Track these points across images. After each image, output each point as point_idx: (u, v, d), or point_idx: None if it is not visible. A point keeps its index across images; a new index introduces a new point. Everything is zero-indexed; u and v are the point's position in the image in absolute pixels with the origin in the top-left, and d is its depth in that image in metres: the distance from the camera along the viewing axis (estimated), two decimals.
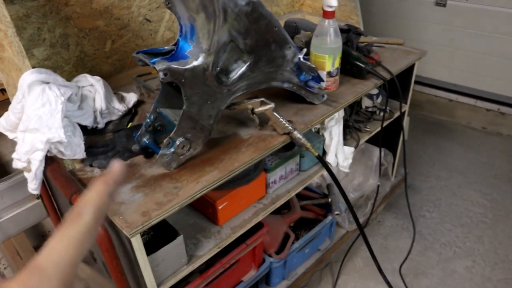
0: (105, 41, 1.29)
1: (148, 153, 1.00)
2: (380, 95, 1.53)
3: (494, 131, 2.59)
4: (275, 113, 1.02)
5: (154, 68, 0.84)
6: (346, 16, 1.76)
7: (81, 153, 0.95)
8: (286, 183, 1.25)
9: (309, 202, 1.62)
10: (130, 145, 1.00)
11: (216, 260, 1.14)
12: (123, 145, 1.02)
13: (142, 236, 0.86)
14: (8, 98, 1.11)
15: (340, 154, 1.33)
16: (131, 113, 1.17)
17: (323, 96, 1.18)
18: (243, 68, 0.96)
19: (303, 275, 1.51)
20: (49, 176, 0.94)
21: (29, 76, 0.89)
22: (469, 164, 2.31)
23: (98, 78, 1.09)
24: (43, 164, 0.91)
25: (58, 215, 1.20)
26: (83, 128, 1.02)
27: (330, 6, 1.13)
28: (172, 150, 0.92)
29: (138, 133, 0.97)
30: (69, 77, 1.17)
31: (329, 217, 1.54)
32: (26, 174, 0.94)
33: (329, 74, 1.21)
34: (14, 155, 0.90)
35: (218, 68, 0.92)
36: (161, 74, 0.82)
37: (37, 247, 1.51)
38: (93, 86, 1.07)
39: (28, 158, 0.89)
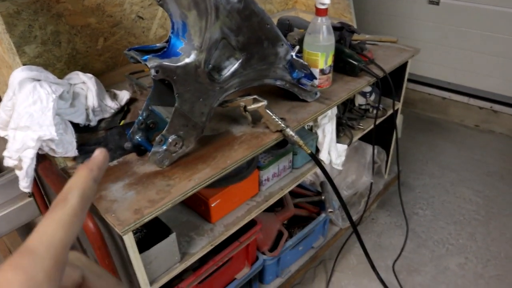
0: (97, 38, 1.29)
1: (141, 150, 1.00)
2: (373, 92, 1.54)
3: (487, 129, 2.61)
4: (267, 111, 1.02)
5: (146, 65, 0.84)
6: (340, 14, 1.77)
7: (73, 151, 0.95)
8: (279, 181, 1.25)
9: (302, 199, 1.62)
10: (123, 143, 0.99)
11: (209, 257, 1.14)
12: (115, 143, 1.02)
13: (134, 234, 0.86)
14: None
15: (333, 151, 1.33)
16: (123, 110, 1.17)
17: (316, 94, 1.19)
18: (236, 66, 0.96)
19: (296, 273, 1.52)
20: (40, 174, 0.94)
21: (20, 74, 0.88)
22: (462, 161, 2.33)
23: (90, 75, 1.08)
24: (34, 162, 0.90)
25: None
26: (75, 126, 1.02)
27: (323, 4, 1.13)
28: (165, 147, 0.91)
29: (131, 131, 0.97)
30: (60, 74, 1.17)
31: (323, 215, 1.55)
32: (17, 172, 0.94)
33: (322, 71, 1.21)
34: (5, 153, 0.90)
35: (210, 66, 0.92)
36: (152, 71, 0.82)
37: None
38: (85, 83, 1.07)
39: (19, 156, 0.89)
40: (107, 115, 1.12)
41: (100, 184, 0.90)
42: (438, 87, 2.70)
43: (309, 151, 1.09)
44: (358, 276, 1.69)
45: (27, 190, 0.95)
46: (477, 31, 2.39)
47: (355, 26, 1.70)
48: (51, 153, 0.93)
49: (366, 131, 1.49)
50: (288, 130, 1.04)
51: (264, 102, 1.01)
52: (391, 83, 1.35)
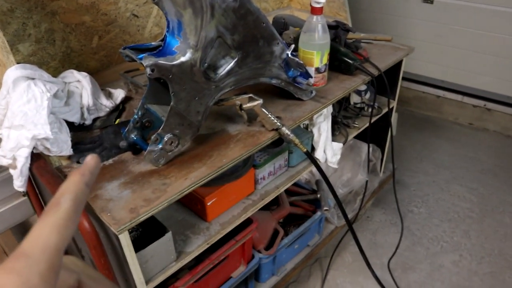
0: (92, 36, 1.28)
1: (136, 149, 0.99)
2: (368, 91, 1.54)
3: (481, 127, 2.62)
4: (263, 109, 1.02)
5: (141, 64, 0.84)
6: (334, 13, 1.77)
7: (67, 150, 0.94)
8: (275, 179, 1.26)
9: (298, 198, 1.62)
10: (118, 142, 0.99)
11: (205, 256, 1.14)
12: (110, 142, 1.01)
13: (130, 233, 0.85)
14: None
15: (328, 150, 1.33)
16: (118, 109, 1.16)
17: (311, 92, 1.19)
18: (231, 64, 0.96)
19: (292, 271, 1.52)
20: (35, 173, 0.93)
21: (14, 72, 0.87)
22: (456, 159, 2.34)
23: (85, 74, 1.08)
24: (29, 161, 0.90)
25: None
26: (70, 124, 1.01)
27: (318, 2, 1.13)
28: (160, 146, 0.91)
29: (126, 130, 0.97)
30: (55, 73, 1.16)
31: (318, 213, 1.55)
32: (11, 171, 0.93)
33: (317, 70, 1.21)
34: None
35: (206, 64, 0.92)
36: (148, 70, 0.82)
37: None
38: (80, 82, 1.06)
39: (13, 155, 0.88)
40: (102, 114, 1.12)
41: (96, 183, 0.90)
42: (432, 85, 2.71)
43: (304, 150, 1.09)
44: (353, 273, 1.70)
45: (21, 189, 0.95)
46: (471, 30, 2.40)
47: (350, 24, 1.71)
48: (46, 152, 0.92)
49: (361, 129, 1.50)
50: (283, 128, 1.04)
51: (260, 101, 1.01)
52: (386, 82, 1.36)
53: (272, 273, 1.48)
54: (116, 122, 1.11)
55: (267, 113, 1.02)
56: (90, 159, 0.36)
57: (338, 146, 1.37)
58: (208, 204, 1.05)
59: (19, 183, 0.93)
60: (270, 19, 1.32)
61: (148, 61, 0.82)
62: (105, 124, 1.10)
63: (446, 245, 1.82)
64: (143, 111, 0.97)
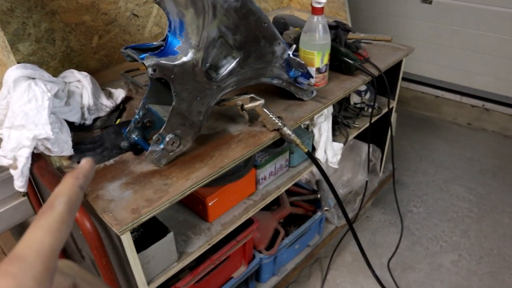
0: (92, 36, 1.28)
1: (137, 149, 0.99)
2: (368, 91, 1.54)
3: (479, 127, 2.63)
4: (264, 109, 1.02)
5: (143, 63, 0.83)
6: (334, 13, 1.77)
7: (68, 150, 0.94)
8: (276, 179, 1.26)
9: (298, 198, 1.62)
10: (119, 142, 0.99)
11: (206, 256, 1.14)
12: (111, 142, 1.01)
13: (132, 233, 0.85)
14: None
15: (329, 150, 1.33)
16: (119, 109, 1.16)
17: (312, 93, 1.19)
18: (233, 64, 0.95)
19: (292, 271, 1.52)
20: (36, 173, 0.93)
21: (15, 72, 0.87)
22: (455, 159, 2.35)
23: (85, 73, 1.07)
24: (29, 161, 0.89)
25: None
26: (71, 124, 1.01)
27: (319, 3, 1.13)
28: (162, 146, 0.91)
29: (127, 130, 0.96)
30: (55, 72, 1.16)
31: (319, 213, 1.55)
32: (12, 171, 0.93)
33: (318, 70, 1.21)
34: None
35: (208, 64, 0.92)
36: (150, 70, 0.82)
37: None
38: (80, 82, 1.06)
39: (14, 155, 0.88)
40: (102, 114, 1.11)
41: (97, 184, 0.89)
42: (431, 86, 2.72)
43: (306, 150, 1.09)
44: (353, 273, 1.70)
45: (22, 190, 0.95)
46: (470, 30, 2.41)
47: (349, 25, 1.71)
48: (47, 152, 0.92)
49: (361, 129, 1.50)
50: (285, 129, 1.04)
51: (261, 101, 1.01)
52: (386, 82, 1.36)
53: (273, 273, 1.48)
54: (117, 122, 1.11)
55: (269, 113, 1.02)
56: (85, 163, 0.36)
57: (338, 146, 1.37)
58: (210, 204, 1.05)
59: (19, 183, 0.92)
60: (270, 19, 1.32)
61: (150, 61, 0.82)
62: (105, 124, 1.10)
63: (445, 245, 1.83)
64: (145, 111, 0.96)
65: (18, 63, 0.89)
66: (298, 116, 1.12)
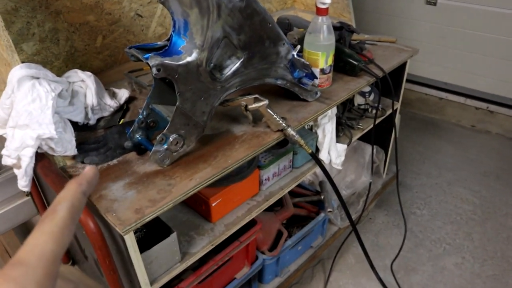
0: (96, 36, 1.28)
1: (141, 149, 0.99)
2: (372, 92, 1.54)
3: (483, 129, 2.62)
4: (268, 110, 1.02)
5: (147, 63, 0.83)
6: (339, 14, 1.77)
7: (72, 150, 0.94)
8: (279, 180, 1.25)
9: (301, 199, 1.62)
10: (122, 142, 0.99)
11: (209, 257, 1.13)
12: (115, 142, 1.01)
13: (135, 233, 0.85)
14: None
15: (333, 151, 1.33)
16: (122, 109, 1.16)
17: (316, 93, 1.18)
18: (237, 65, 0.95)
19: (295, 272, 1.52)
20: (39, 173, 0.92)
21: (19, 71, 0.87)
22: (458, 161, 2.34)
23: (89, 73, 1.07)
24: (33, 161, 0.89)
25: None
26: (74, 124, 1.01)
27: (324, 3, 1.13)
28: (165, 146, 0.91)
29: (131, 130, 0.96)
30: (59, 72, 1.16)
31: (322, 214, 1.55)
32: (16, 170, 0.93)
33: (322, 71, 1.21)
34: (3, 152, 0.89)
35: (212, 64, 0.91)
36: (154, 70, 0.81)
37: None
38: (84, 81, 1.06)
39: (18, 154, 0.88)
40: (106, 114, 1.11)
41: (100, 184, 0.89)
42: (435, 87, 2.71)
43: (309, 151, 1.09)
44: (356, 275, 1.69)
45: (25, 189, 0.95)
46: (474, 32, 2.40)
47: (354, 26, 1.70)
48: (50, 152, 0.92)
49: (365, 131, 1.49)
50: (289, 129, 1.03)
51: (265, 102, 1.01)
52: (390, 83, 1.35)
53: (276, 274, 1.47)
54: (120, 122, 1.11)
55: (273, 114, 1.02)
56: (89, 170, 0.37)
57: (342, 147, 1.36)
58: (213, 205, 1.05)
59: (23, 183, 0.92)
60: (274, 20, 1.32)
61: (154, 60, 0.82)
62: (109, 124, 1.10)
63: (449, 247, 1.82)
64: (148, 111, 0.96)
65: (22, 62, 0.89)
66: (302, 117, 1.12)
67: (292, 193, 1.61)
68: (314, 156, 1.13)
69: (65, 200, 0.33)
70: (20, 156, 0.88)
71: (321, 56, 1.18)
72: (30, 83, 0.88)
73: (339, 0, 1.72)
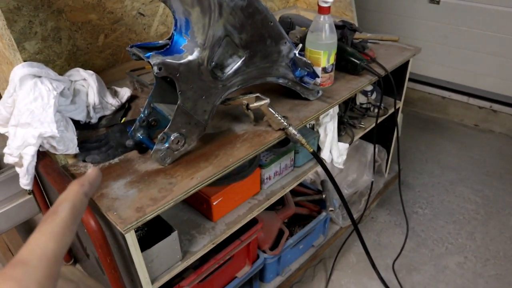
0: (98, 35, 1.28)
1: (142, 148, 0.99)
2: (374, 91, 1.54)
3: (486, 129, 2.61)
4: (270, 109, 1.01)
5: (149, 62, 0.83)
6: (341, 12, 1.76)
7: (74, 148, 0.94)
8: (281, 179, 1.25)
9: (303, 198, 1.62)
10: (124, 140, 0.99)
11: (210, 256, 1.13)
12: (116, 140, 1.01)
13: (136, 232, 0.85)
14: None
15: (334, 150, 1.33)
16: (124, 108, 1.16)
17: (318, 92, 1.18)
18: (238, 63, 0.95)
19: (297, 271, 1.52)
20: (41, 171, 0.93)
21: (21, 70, 0.87)
22: (461, 161, 2.33)
23: (91, 72, 1.07)
24: (35, 159, 0.89)
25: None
26: (76, 123, 1.01)
27: (326, 2, 1.13)
28: (167, 145, 0.91)
29: (132, 128, 0.96)
30: (61, 71, 1.16)
31: (323, 213, 1.55)
32: (17, 169, 0.93)
33: (324, 70, 1.21)
34: (5, 150, 0.89)
35: (213, 63, 0.91)
36: (155, 69, 0.81)
37: None
38: (86, 80, 1.06)
39: (19, 153, 0.88)
40: (108, 112, 1.12)
41: (102, 182, 0.89)
42: (438, 86, 2.70)
43: (311, 150, 1.08)
44: (357, 274, 1.69)
45: (27, 188, 0.95)
46: (477, 31, 2.39)
47: (356, 24, 1.70)
48: (52, 150, 0.92)
49: (367, 130, 1.49)
50: (290, 128, 1.03)
51: (267, 100, 1.01)
52: (392, 82, 1.35)
53: (277, 273, 1.47)
54: (122, 121, 1.11)
55: (274, 112, 1.02)
56: (91, 171, 0.37)
57: (344, 146, 1.36)
58: (214, 203, 1.05)
59: (25, 181, 0.93)
60: (276, 19, 1.32)
61: (155, 59, 0.82)
62: (111, 122, 1.10)
63: (451, 246, 1.81)
64: (150, 109, 0.96)
65: (25, 61, 0.89)
66: (304, 116, 1.12)
67: (293, 192, 1.61)
68: (316, 155, 1.12)
69: (67, 201, 0.33)
70: (22, 155, 0.88)
71: (323, 54, 1.18)
72: (32, 81, 0.88)
73: None
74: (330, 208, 1.55)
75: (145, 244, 0.90)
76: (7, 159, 0.90)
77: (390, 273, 1.69)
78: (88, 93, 1.05)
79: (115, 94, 1.16)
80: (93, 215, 0.82)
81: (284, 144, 1.22)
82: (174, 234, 0.94)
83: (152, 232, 1.04)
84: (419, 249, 1.80)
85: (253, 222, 1.22)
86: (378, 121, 1.44)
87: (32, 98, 0.86)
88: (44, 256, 0.29)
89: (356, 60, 1.29)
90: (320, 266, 1.73)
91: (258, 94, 1.01)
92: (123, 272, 0.95)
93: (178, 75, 0.85)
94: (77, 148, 0.95)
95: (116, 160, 0.97)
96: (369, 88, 1.51)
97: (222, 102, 0.98)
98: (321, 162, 1.14)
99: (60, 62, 1.23)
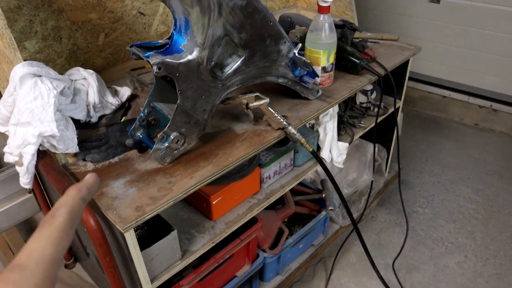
0: (98, 34, 1.28)
1: (142, 147, 0.99)
2: (374, 90, 1.53)
3: (487, 128, 2.61)
4: (269, 108, 1.02)
5: (148, 61, 0.83)
6: (341, 12, 1.76)
7: (74, 147, 0.94)
8: (281, 179, 1.25)
9: (303, 197, 1.62)
10: (124, 140, 0.99)
11: (210, 255, 1.14)
12: (116, 140, 1.01)
13: (135, 231, 0.85)
14: None
15: (334, 149, 1.33)
16: (124, 107, 1.16)
17: (317, 92, 1.18)
18: (238, 63, 0.95)
19: (296, 270, 1.52)
20: (41, 170, 0.93)
21: (21, 69, 0.87)
22: (461, 160, 2.33)
23: (91, 71, 1.08)
24: (35, 158, 0.90)
25: (50, 209, 1.19)
26: (76, 122, 1.01)
27: (325, 1, 1.13)
28: (166, 144, 0.91)
29: (132, 127, 0.96)
30: (61, 70, 1.16)
31: (323, 213, 1.55)
32: (18, 168, 0.93)
33: (324, 69, 1.21)
34: (5, 149, 0.89)
35: (213, 63, 0.92)
36: (155, 68, 0.82)
37: None
38: (86, 79, 1.06)
39: (20, 152, 0.88)
40: (108, 112, 1.12)
41: (101, 181, 0.90)
42: (438, 86, 2.70)
43: (310, 149, 1.09)
44: (357, 274, 1.69)
45: (27, 187, 0.95)
46: (477, 30, 2.39)
47: (356, 24, 1.70)
48: (52, 150, 0.92)
49: (367, 129, 1.49)
50: (290, 128, 1.03)
51: (266, 100, 1.01)
52: (392, 81, 1.35)
53: (277, 273, 1.48)
54: (122, 120, 1.11)
55: (274, 112, 1.02)
56: (89, 177, 0.38)
57: (343, 145, 1.36)
58: (214, 203, 1.05)
59: (25, 180, 0.93)
60: (276, 18, 1.32)
61: (155, 59, 0.82)
62: (111, 121, 1.10)
63: (451, 246, 1.81)
64: (150, 109, 0.96)
65: (25, 60, 0.89)
66: (303, 115, 1.12)
67: (293, 191, 1.61)
68: (315, 154, 1.13)
69: (65, 205, 0.34)
70: (22, 154, 0.89)
71: (322, 54, 1.18)
72: (32, 81, 0.88)
73: None
74: (330, 208, 1.55)
75: (144, 243, 0.91)
76: (7, 158, 0.90)
77: (390, 272, 1.69)
78: (88, 92, 1.06)
79: (115, 93, 1.16)
80: (93, 214, 0.83)
81: (284, 144, 1.22)
82: (174, 233, 0.95)
83: (151, 231, 1.04)
84: (419, 248, 1.80)
85: (253, 221, 1.22)
86: (378, 120, 1.44)
87: (32, 97, 0.87)
88: (42, 260, 0.29)
89: (356, 60, 1.29)
90: (320, 265, 1.73)
91: (257, 94, 1.01)
92: (122, 271, 0.95)
93: (177, 74, 0.85)
94: (77, 147, 0.95)
95: (116, 159, 0.97)
96: (369, 87, 1.51)
97: (222, 102, 0.98)
98: (320, 161, 1.14)
99: (60, 61, 1.23)
